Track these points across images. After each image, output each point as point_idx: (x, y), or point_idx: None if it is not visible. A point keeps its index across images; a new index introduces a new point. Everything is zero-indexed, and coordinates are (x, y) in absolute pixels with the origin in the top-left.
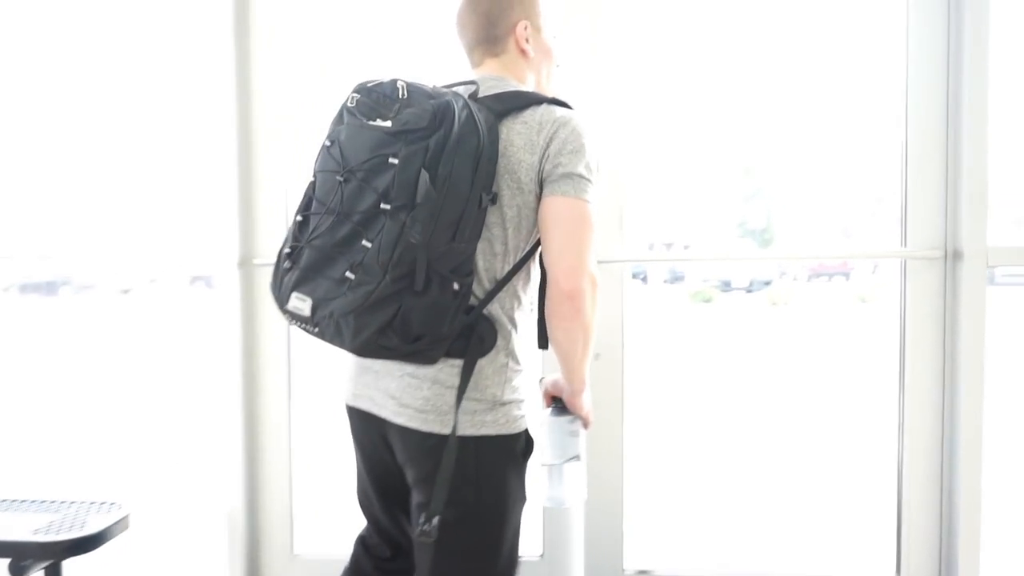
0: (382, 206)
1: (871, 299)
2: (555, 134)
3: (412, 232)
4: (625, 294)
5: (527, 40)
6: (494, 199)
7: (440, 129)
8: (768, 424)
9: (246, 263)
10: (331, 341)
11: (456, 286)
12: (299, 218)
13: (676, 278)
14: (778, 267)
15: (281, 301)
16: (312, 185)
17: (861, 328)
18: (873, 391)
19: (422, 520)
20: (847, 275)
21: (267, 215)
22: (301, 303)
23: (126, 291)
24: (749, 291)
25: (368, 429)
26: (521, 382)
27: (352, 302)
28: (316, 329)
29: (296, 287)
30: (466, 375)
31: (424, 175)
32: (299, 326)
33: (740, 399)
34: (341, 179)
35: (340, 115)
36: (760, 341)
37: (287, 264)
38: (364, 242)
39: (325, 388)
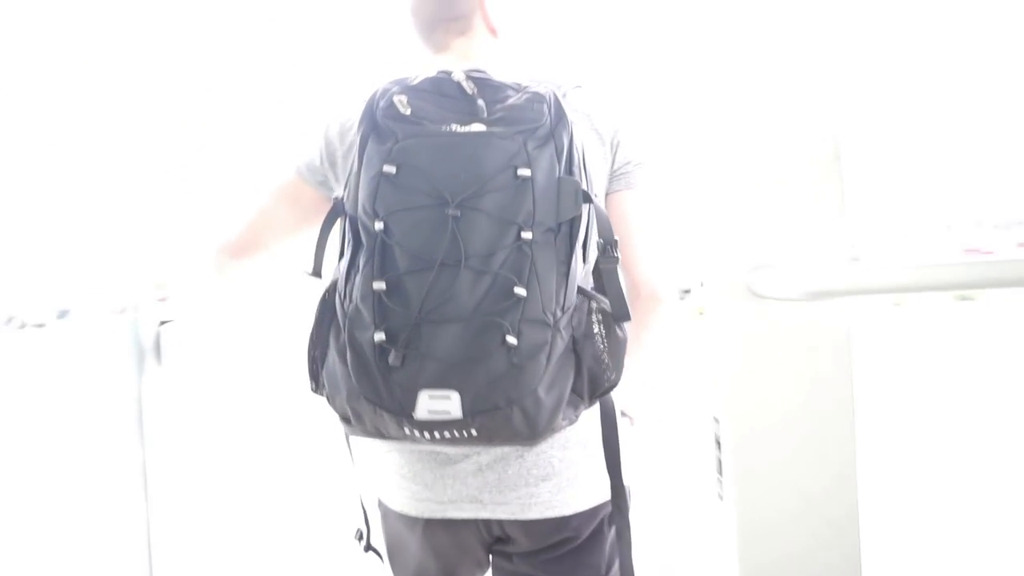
0: (523, 236)
1: None
2: (617, 124)
3: (574, 259)
4: None
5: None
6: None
7: (560, 121)
8: None
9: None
10: (499, 440)
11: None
12: (381, 285)
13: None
14: None
15: (401, 410)
16: (383, 232)
17: None
18: None
19: None
20: None
21: None
22: (443, 403)
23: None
24: None
25: (462, 540)
26: None
27: (533, 375)
28: (470, 433)
29: (429, 384)
30: (608, 421)
31: (572, 182)
32: (432, 438)
33: None
34: (455, 213)
35: (379, 127)
36: None
37: (392, 357)
38: (517, 290)
39: None
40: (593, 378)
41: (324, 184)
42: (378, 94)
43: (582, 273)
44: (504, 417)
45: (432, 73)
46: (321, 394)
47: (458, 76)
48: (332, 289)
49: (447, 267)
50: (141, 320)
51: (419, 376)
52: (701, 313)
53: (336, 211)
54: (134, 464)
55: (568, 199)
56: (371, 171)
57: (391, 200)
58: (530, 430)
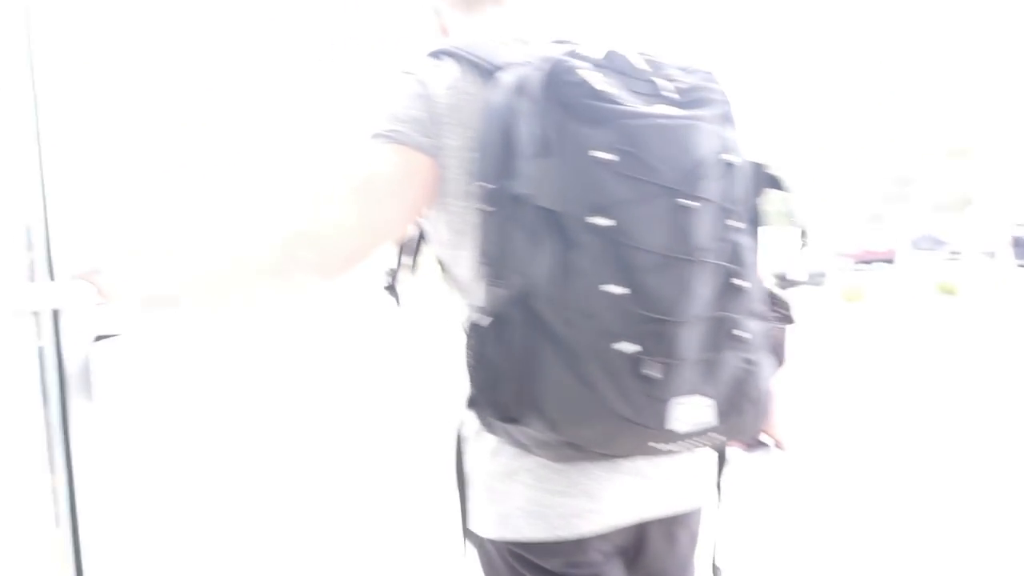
0: (735, 224)
1: None
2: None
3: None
4: None
5: None
6: None
7: (731, 99)
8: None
9: None
10: (732, 441)
11: None
12: (622, 289)
13: None
14: None
15: (654, 423)
16: (611, 229)
17: None
18: None
19: None
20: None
21: None
22: (699, 411)
23: None
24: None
25: (619, 550)
26: None
27: (764, 370)
28: (717, 438)
29: (683, 391)
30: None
31: (760, 165)
32: (688, 446)
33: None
34: (688, 203)
35: (579, 108)
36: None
37: (647, 367)
38: (739, 282)
39: None
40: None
41: (437, 151)
42: (557, 68)
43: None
44: (749, 417)
45: (597, 48)
46: (525, 425)
47: (627, 51)
48: (519, 300)
49: (681, 262)
50: (65, 333)
51: (674, 385)
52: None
53: (499, 203)
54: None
55: (759, 183)
56: (577, 158)
57: (617, 191)
58: (757, 427)
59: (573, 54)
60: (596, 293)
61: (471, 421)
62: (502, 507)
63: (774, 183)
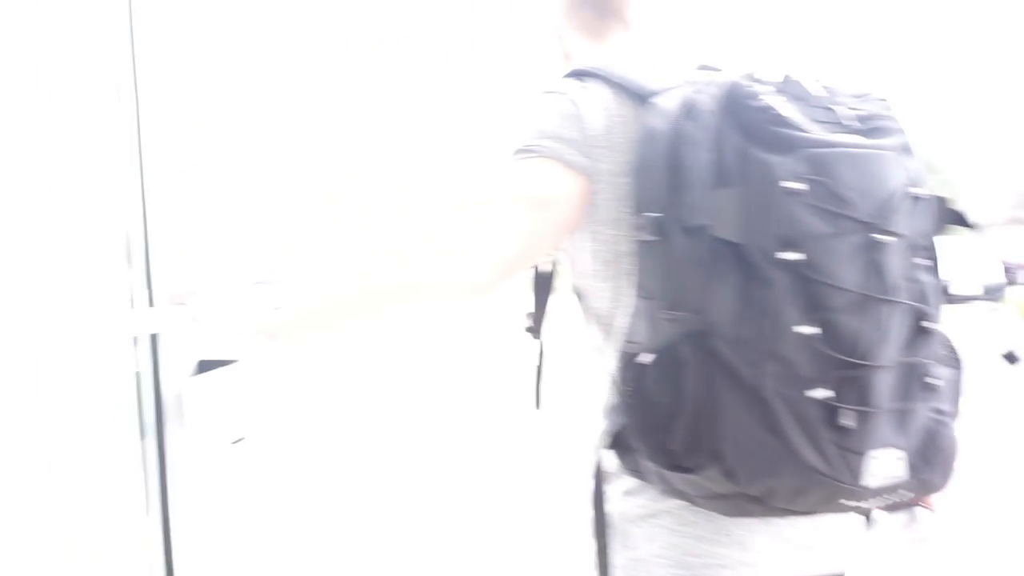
0: (920, 262)
1: None
2: None
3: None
4: None
5: None
6: None
7: (905, 130)
8: None
9: None
10: (920, 497)
11: None
12: (813, 330)
13: None
14: None
15: (851, 478)
16: (801, 264)
17: None
18: None
19: None
20: None
21: None
22: (892, 465)
23: None
24: None
25: None
26: None
27: (954, 419)
28: (906, 494)
29: (878, 443)
30: None
31: (942, 200)
32: (879, 505)
33: None
34: (882, 239)
35: (764, 135)
36: None
37: (844, 416)
38: (927, 324)
39: None
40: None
41: (590, 172)
42: (736, 93)
43: None
44: (939, 471)
45: (774, 73)
46: (697, 474)
47: (803, 77)
48: (693, 337)
49: (876, 302)
50: (164, 360)
51: (869, 436)
52: None
53: (664, 234)
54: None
55: (943, 219)
56: (764, 188)
57: (808, 224)
58: (946, 482)
59: (751, 78)
60: (787, 334)
61: (607, 461)
62: (637, 552)
63: (959, 219)
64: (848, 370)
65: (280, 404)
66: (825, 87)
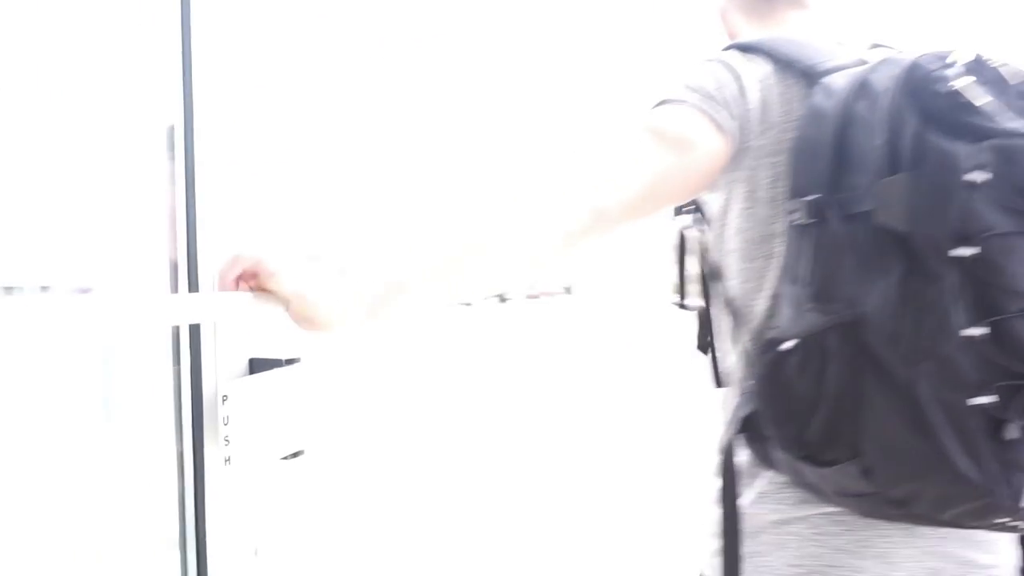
0: None
1: None
2: None
3: None
4: None
5: None
6: None
7: None
8: None
9: None
10: None
11: None
12: (981, 331)
13: None
14: None
15: (1005, 491)
16: (976, 262)
17: None
18: None
19: None
20: None
21: None
22: None
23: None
24: None
25: None
26: None
27: None
28: None
29: None
30: None
31: None
32: (1017, 523)
33: None
34: None
35: (948, 121)
36: None
37: (1010, 428)
38: None
39: None
40: None
41: (736, 138)
42: (919, 74)
43: None
44: None
45: (966, 55)
46: (834, 468)
47: (1000, 58)
48: (844, 328)
49: None
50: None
51: None
52: None
53: (823, 217)
54: None
55: None
56: (942, 177)
57: (987, 219)
58: None
59: (938, 58)
60: (952, 335)
61: (741, 454)
62: (766, 559)
63: None
64: (1017, 379)
65: (343, 411)
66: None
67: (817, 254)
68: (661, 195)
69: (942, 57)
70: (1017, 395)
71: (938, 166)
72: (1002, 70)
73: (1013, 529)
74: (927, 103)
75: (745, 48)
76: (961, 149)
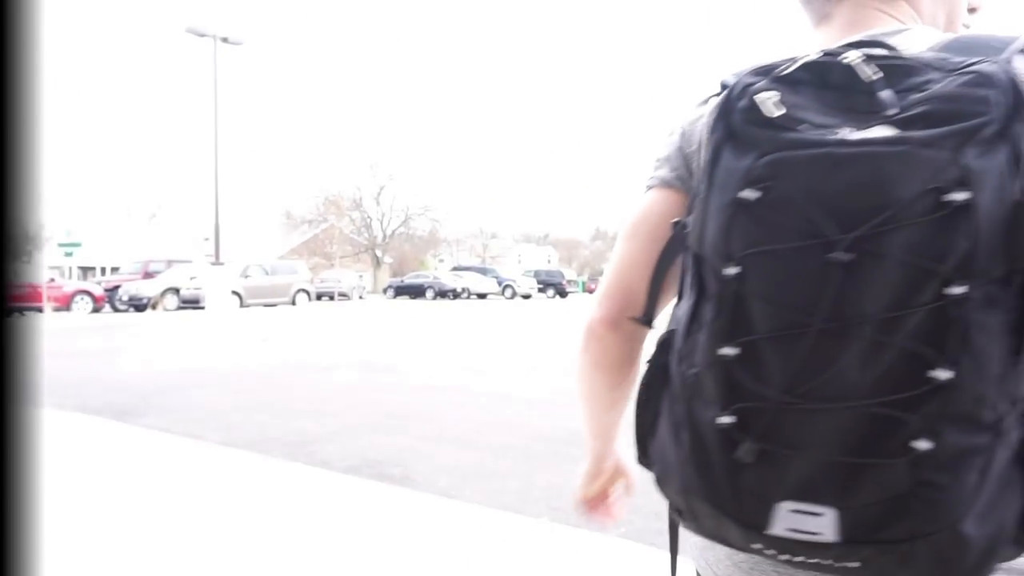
0: (951, 291)
1: None
2: None
3: None
4: None
5: None
6: None
7: (1019, 111)
8: None
9: None
10: None
11: None
12: (732, 351)
13: None
14: None
15: (749, 521)
16: (737, 279)
17: None
18: None
19: None
20: None
21: None
22: (812, 520)
23: None
24: None
25: None
26: None
27: (955, 498)
28: (854, 564)
29: (793, 495)
30: None
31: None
32: (801, 562)
33: None
34: (845, 258)
35: (741, 135)
36: None
37: (744, 448)
38: (936, 373)
39: None
40: None
41: (685, 184)
42: (736, 89)
43: None
44: (904, 555)
45: (813, 55)
46: (651, 471)
47: (851, 57)
48: (666, 343)
49: (828, 333)
50: None
51: (780, 481)
52: None
53: (676, 242)
54: None
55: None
56: (725, 195)
57: (750, 236)
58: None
59: (764, 70)
60: (714, 353)
61: None
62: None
63: None
64: (758, 402)
65: None
66: (894, 66)
67: (665, 274)
68: (641, 276)
69: (770, 67)
70: (755, 417)
71: (722, 185)
72: (860, 68)
73: (792, 565)
74: (729, 120)
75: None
76: (743, 165)
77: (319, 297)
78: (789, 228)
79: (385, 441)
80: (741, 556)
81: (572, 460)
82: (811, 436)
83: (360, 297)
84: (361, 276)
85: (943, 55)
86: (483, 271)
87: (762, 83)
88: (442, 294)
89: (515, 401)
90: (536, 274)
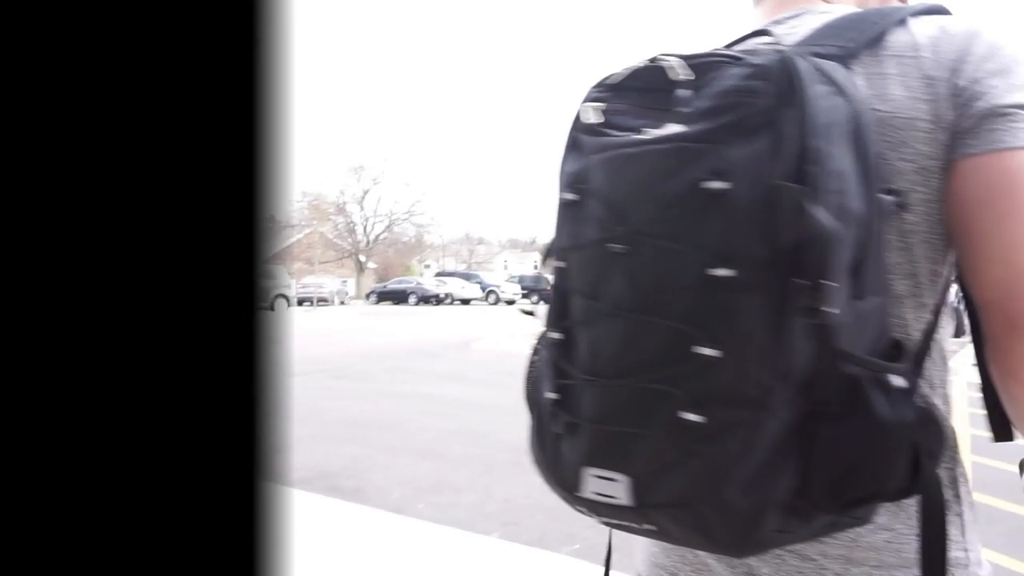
0: (717, 273)
1: None
2: (961, 56)
3: (815, 303)
4: None
5: None
6: (902, 200)
7: (790, 100)
8: None
9: None
10: (684, 542)
11: (900, 382)
12: (557, 336)
13: None
14: None
15: (566, 486)
16: (562, 273)
17: None
18: None
19: None
20: None
21: None
22: (609, 485)
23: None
24: None
25: None
26: (976, 532)
27: (716, 466)
28: (649, 527)
29: (590, 461)
30: (930, 535)
31: (793, 190)
32: (610, 523)
33: None
34: (620, 249)
35: (574, 143)
36: None
37: (559, 421)
38: (701, 350)
39: None
40: (842, 476)
41: None
42: (588, 97)
43: (852, 322)
44: (678, 520)
45: (639, 62)
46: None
47: (666, 60)
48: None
49: (611, 316)
50: None
51: (581, 450)
52: None
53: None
54: None
55: (789, 215)
56: (559, 197)
57: (567, 234)
58: (730, 539)
59: (600, 83)
60: (547, 337)
61: None
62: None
63: (797, 214)
64: (569, 379)
65: None
66: (704, 64)
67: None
68: None
69: (607, 75)
70: (569, 393)
71: (559, 188)
72: (670, 70)
73: (624, 528)
74: (570, 129)
75: None
76: (567, 170)
77: (300, 303)
78: (591, 224)
79: (342, 451)
80: (655, 548)
81: (533, 471)
82: (602, 409)
83: (342, 302)
84: (345, 281)
85: (812, 43)
86: (467, 276)
87: (594, 93)
88: (425, 299)
89: (483, 408)
90: (521, 280)
